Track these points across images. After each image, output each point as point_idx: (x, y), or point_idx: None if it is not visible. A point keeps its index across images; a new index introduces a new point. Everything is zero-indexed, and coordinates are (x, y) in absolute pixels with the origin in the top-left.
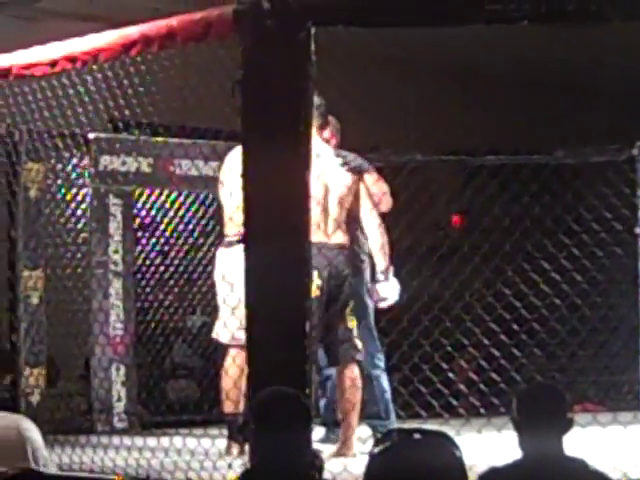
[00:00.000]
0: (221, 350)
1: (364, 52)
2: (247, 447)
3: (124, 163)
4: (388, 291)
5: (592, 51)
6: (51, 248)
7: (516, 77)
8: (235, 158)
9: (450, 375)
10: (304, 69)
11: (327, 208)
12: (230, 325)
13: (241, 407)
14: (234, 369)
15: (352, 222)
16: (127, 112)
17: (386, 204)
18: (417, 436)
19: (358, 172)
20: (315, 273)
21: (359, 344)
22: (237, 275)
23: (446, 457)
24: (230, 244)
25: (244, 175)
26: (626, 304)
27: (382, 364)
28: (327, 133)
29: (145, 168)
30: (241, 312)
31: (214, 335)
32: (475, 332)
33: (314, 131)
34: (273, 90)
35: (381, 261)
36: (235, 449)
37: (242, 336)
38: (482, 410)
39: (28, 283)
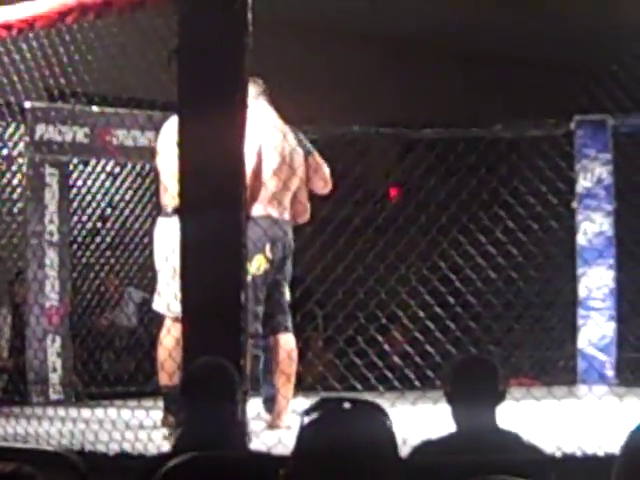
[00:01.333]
0: (157, 321)
1: (300, 23)
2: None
3: (60, 132)
4: None
5: (531, 23)
6: None
7: (454, 49)
8: (171, 127)
9: (385, 348)
10: (240, 38)
11: (286, 182)
12: (165, 296)
13: (176, 379)
14: (169, 340)
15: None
16: (63, 81)
17: (329, 186)
18: (347, 405)
19: (307, 152)
20: (268, 247)
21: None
22: (173, 245)
23: (377, 427)
24: (167, 214)
25: (179, 144)
26: (562, 278)
27: None
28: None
29: (81, 138)
30: (176, 283)
31: (153, 306)
32: (410, 305)
33: (263, 99)
34: (209, 59)
35: None
36: (171, 420)
37: (178, 307)
38: (417, 383)
39: None
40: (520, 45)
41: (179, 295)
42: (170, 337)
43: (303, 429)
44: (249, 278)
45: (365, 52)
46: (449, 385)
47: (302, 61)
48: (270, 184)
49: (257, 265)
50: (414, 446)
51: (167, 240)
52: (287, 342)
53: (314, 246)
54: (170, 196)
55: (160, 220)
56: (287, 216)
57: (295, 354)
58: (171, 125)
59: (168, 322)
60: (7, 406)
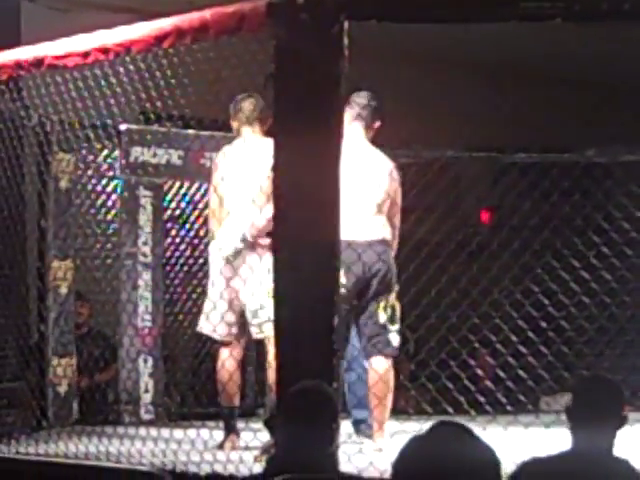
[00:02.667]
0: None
1: (395, 48)
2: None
3: (155, 155)
4: None
5: (625, 48)
6: (81, 239)
7: (548, 74)
8: (227, 152)
9: (477, 372)
10: (336, 63)
11: (362, 205)
12: (227, 319)
13: (237, 400)
14: (231, 362)
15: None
16: (159, 104)
17: None
18: (448, 427)
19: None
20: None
21: (392, 339)
22: (219, 269)
23: (482, 449)
24: (213, 239)
25: (275, 168)
26: None
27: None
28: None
29: (176, 160)
30: (237, 307)
31: (207, 331)
32: (503, 329)
33: (362, 130)
34: (305, 84)
35: None
36: (229, 443)
37: (236, 331)
38: (509, 407)
39: (57, 273)
40: (615, 71)
41: (237, 319)
42: (231, 359)
43: (407, 445)
44: None
45: (460, 77)
46: (572, 403)
47: (398, 85)
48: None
49: None
50: (521, 463)
51: (214, 264)
52: (379, 365)
53: (407, 270)
54: (216, 221)
55: (211, 245)
56: (364, 237)
57: (388, 377)
58: (227, 150)
59: (228, 345)
60: (100, 425)
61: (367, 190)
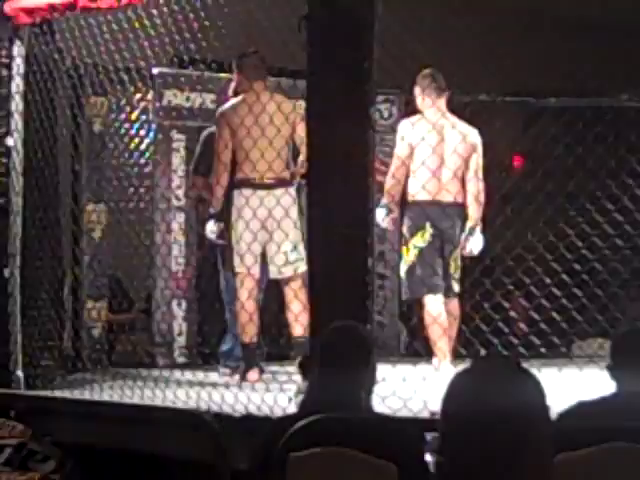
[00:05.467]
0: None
1: None
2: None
3: (188, 99)
4: (473, 245)
5: None
6: (114, 182)
7: (580, 19)
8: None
9: (511, 314)
10: (370, 3)
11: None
12: (246, 260)
13: (255, 337)
14: (250, 303)
15: None
16: (192, 47)
17: None
18: (497, 361)
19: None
20: (428, 224)
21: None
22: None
23: (529, 387)
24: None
25: (308, 110)
26: None
27: None
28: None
29: (209, 104)
30: (256, 247)
31: (231, 269)
32: (537, 271)
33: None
34: (339, 26)
35: (474, 212)
36: (253, 376)
37: (257, 270)
38: (542, 350)
39: (91, 217)
40: None
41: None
42: (251, 301)
43: (457, 377)
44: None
45: (494, 21)
46: (614, 343)
47: (429, 27)
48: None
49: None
50: (566, 408)
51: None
52: (453, 306)
53: None
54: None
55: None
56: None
57: (439, 317)
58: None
59: (249, 285)
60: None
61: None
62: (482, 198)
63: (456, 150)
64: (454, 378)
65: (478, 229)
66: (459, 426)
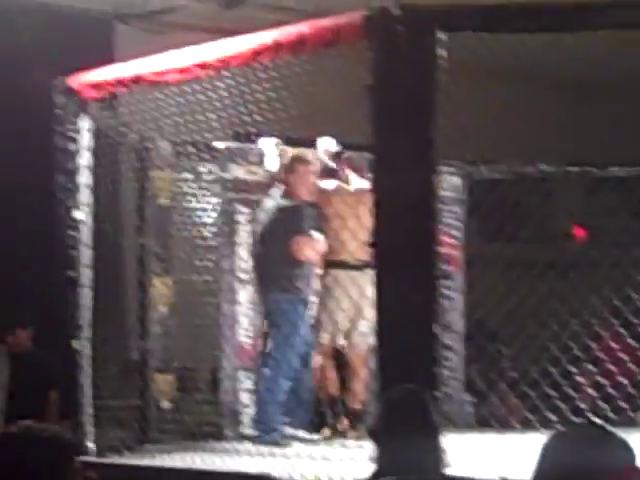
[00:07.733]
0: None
1: (485, 64)
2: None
3: (251, 172)
4: None
5: None
6: (180, 255)
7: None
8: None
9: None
10: (432, 74)
11: None
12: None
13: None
14: (332, 372)
15: None
16: (254, 121)
17: None
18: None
19: None
20: None
21: None
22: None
23: (618, 455)
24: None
25: (374, 180)
26: None
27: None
28: None
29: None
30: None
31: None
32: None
33: None
34: (401, 95)
35: None
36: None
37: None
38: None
39: (158, 290)
40: None
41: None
42: (332, 370)
43: (550, 442)
44: None
45: (553, 93)
46: None
47: (488, 101)
48: None
49: None
50: None
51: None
52: None
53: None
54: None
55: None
56: None
57: None
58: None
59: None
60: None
61: None
62: None
63: None
64: (548, 442)
65: None
66: None
